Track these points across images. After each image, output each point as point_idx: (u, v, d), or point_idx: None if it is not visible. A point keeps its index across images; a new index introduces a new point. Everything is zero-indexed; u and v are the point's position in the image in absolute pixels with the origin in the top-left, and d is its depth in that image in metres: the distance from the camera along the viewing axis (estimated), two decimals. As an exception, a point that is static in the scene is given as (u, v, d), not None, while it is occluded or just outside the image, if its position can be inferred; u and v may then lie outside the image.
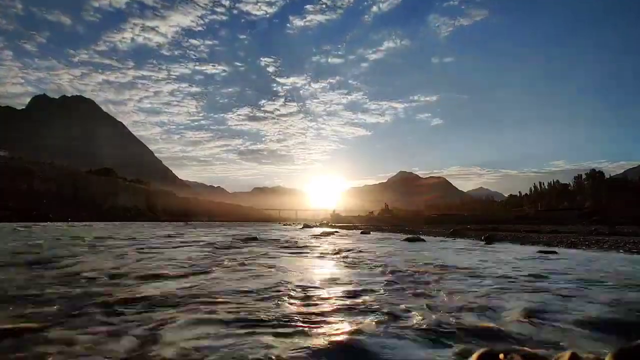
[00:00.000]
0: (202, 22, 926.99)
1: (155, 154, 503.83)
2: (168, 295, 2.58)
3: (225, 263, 4.59)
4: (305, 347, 1.58)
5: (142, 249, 6.67)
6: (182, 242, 8.90)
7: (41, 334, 1.70)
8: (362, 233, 17.29)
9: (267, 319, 1.99)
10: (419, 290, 2.91)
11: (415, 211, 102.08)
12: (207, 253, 6.02)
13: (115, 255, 5.40)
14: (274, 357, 1.48)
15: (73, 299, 2.41)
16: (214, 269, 4.04)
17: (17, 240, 8.43)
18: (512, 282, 3.41)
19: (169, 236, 11.61)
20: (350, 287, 3.04)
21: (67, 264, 4.24)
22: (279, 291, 2.80)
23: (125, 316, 2.03)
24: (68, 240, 8.66)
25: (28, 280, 3.08)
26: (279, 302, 2.43)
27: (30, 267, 3.96)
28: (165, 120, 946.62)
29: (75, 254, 5.46)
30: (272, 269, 4.09)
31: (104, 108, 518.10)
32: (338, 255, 5.94)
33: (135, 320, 1.96)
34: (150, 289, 2.77)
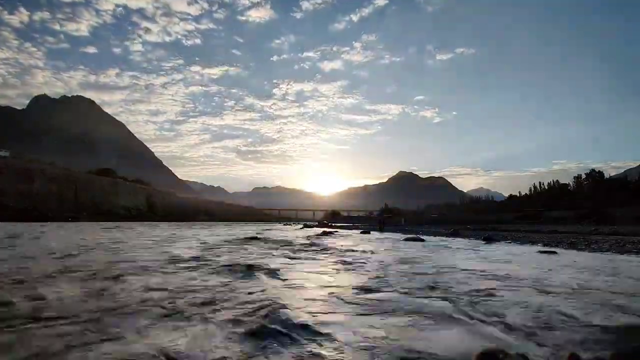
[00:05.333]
0: (198, 6, 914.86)
1: (156, 154, 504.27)
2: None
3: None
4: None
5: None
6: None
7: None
8: (362, 233, 17.27)
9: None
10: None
11: (415, 211, 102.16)
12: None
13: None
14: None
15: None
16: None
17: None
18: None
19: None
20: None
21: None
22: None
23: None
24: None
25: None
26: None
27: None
28: (165, 120, 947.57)
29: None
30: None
31: (104, 108, 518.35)
32: (339, 253, 5.93)
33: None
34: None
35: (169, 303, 2.32)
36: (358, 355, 1.54)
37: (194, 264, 4.41)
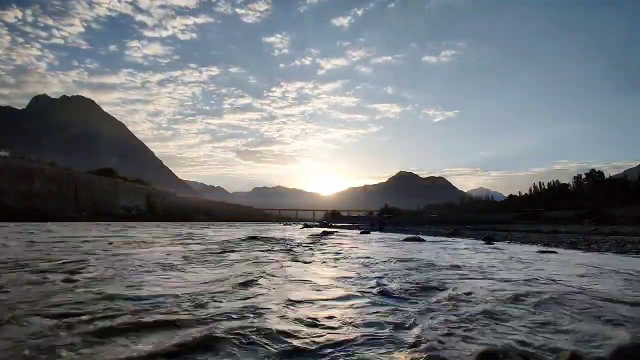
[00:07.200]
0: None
1: (156, 154, 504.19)
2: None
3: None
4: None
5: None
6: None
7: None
8: (361, 233, 17.27)
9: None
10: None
11: (415, 211, 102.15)
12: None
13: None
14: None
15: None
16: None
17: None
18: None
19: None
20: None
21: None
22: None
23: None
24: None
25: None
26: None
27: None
28: (163, 119, 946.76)
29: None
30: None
31: (104, 108, 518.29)
32: (341, 253, 5.94)
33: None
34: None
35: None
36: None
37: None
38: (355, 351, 1.61)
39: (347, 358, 1.55)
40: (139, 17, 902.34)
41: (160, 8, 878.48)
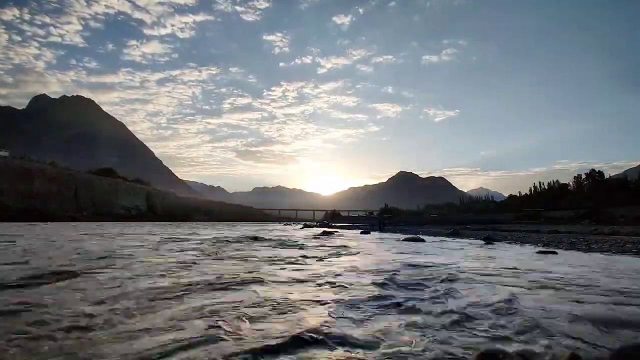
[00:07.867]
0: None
1: (156, 154, 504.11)
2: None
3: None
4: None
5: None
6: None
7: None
8: (361, 233, 17.28)
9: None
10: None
11: (415, 211, 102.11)
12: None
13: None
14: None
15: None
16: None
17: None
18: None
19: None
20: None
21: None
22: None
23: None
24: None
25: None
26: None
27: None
28: (162, 119, 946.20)
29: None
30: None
31: (103, 107, 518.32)
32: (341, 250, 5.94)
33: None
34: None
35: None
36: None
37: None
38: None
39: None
40: (137, 15, 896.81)
41: (159, 5, 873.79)
